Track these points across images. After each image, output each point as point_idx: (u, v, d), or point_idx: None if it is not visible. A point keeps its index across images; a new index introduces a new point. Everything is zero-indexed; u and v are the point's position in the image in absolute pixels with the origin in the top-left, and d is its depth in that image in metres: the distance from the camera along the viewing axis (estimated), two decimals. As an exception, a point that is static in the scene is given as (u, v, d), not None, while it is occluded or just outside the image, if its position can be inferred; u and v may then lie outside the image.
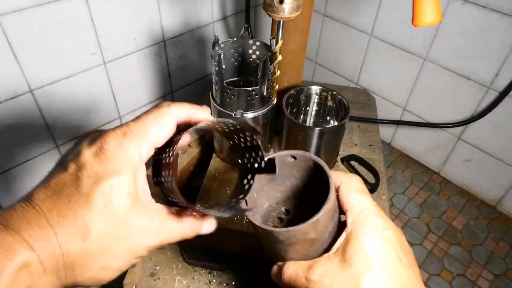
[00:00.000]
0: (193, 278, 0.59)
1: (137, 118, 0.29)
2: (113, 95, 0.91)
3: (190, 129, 0.30)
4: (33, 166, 0.85)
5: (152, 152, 0.29)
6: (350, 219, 0.32)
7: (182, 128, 0.31)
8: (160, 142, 0.29)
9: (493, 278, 0.83)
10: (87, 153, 0.27)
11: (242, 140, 0.34)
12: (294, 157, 0.35)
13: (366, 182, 0.73)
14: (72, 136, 0.89)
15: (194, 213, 0.31)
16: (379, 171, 0.74)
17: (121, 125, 0.28)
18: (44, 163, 0.87)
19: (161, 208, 0.29)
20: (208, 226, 0.33)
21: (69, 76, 0.80)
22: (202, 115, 0.32)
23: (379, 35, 1.00)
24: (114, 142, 0.27)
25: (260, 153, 0.34)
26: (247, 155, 0.36)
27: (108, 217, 0.25)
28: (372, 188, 0.72)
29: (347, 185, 0.34)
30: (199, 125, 0.31)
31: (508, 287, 0.83)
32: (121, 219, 0.26)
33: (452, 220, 0.95)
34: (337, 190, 0.34)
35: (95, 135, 0.28)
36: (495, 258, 0.87)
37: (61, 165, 0.28)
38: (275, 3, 0.47)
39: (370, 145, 0.82)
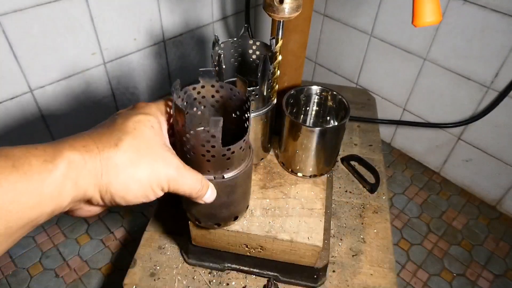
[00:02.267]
0: (193, 278, 0.59)
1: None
2: (113, 95, 0.91)
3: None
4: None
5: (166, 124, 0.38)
6: None
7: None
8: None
9: (493, 278, 0.84)
10: (122, 110, 0.36)
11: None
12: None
13: (366, 182, 0.73)
14: (72, 136, 0.89)
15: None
16: (379, 171, 0.74)
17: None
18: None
19: (176, 157, 0.35)
20: (210, 193, 0.39)
21: (69, 76, 0.80)
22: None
23: (379, 35, 1.00)
24: (142, 102, 0.37)
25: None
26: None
27: (137, 137, 0.32)
28: (372, 188, 0.72)
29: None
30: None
31: (508, 287, 0.83)
32: (146, 141, 0.32)
33: (452, 220, 0.95)
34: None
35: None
36: (495, 258, 0.87)
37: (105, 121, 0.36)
38: (275, 3, 0.47)
39: (370, 145, 0.82)
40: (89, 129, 0.33)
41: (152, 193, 0.33)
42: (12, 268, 0.82)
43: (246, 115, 0.42)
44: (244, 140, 0.40)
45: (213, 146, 0.37)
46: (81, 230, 0.90)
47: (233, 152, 0.39)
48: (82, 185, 0.28)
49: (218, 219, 0.49)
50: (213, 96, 0.45)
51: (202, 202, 0.39)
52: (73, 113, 0.86)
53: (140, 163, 0.31)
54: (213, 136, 0.36)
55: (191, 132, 0.36)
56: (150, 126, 0.33)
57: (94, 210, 0.33)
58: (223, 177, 0.41)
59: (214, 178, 0.41)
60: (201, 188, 0.37)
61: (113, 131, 0.31)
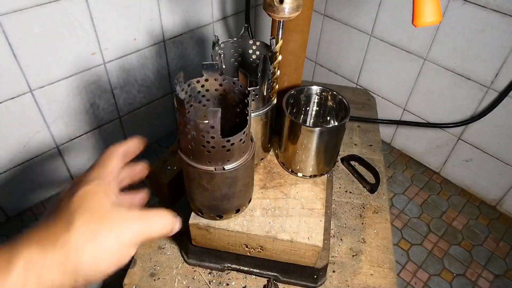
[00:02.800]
0: (193, 278, 0.59)
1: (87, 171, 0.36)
2: (113, 95, 0.91)
3: None
4: (33, 166, 0.85)
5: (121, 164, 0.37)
6: None
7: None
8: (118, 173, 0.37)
9: (493, 278, 0.83)
10: (62, 193, 0.34)
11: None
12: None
13: (366, 182, 0.73)
14: (72, 136, 0.89)
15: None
16: (379, 171, 0.74)
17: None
18: (44, 163, 0.87)
19: (129, 210, 0.33)
20: (179, 223, 0.37)
21: (69, 76, 0.80)
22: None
23: (379, 35, 1.00)
24: (80, 177, 0.35)
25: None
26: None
27: (86, 211, 0.30)
28: (372, 188, 0.72)
29: None
30: None
31: (508, 287, 0.82)
32: (97, 210, 0.31)
33: (452, 220, 0.95)
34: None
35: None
36: (495, 258, 0.87)
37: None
38: (275, 3, 0.47)
39: (370, 145, 0.82)
40: (41, 218, 0.32)
41: (126, 256, 0.32)
42: None
43: (247, 108, 0.42)
44: (244, 132, 0.40)
45: (212, 137, 0.37)
46: (81, 230, 0.90)
47: (232, 144, 0.39)
48: (48, 278, 0.27)
49: (220, 210, 0.50)
50: (216, 90, 0.45)
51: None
52: (73, 113, 0.86)
53: (99, 235, 0.30)
54: (212, 127, 0.36)
55: (191, 122, 0.37)
56: (95, 193, 0.32)
57: None
58: (224, 169, 0.42)
59: (215, 169, 0.42)
60: (172, 225, 0.35)
61: (61, 214, 0.30)
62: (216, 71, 0.43)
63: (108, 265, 0.30)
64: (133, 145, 0.39)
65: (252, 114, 0.56)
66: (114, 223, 0.31)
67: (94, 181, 0.33)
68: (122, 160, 0.37)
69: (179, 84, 0.39)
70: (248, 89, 0.42)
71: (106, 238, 0.30)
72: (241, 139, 0.40)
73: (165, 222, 0.35)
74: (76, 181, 0.34)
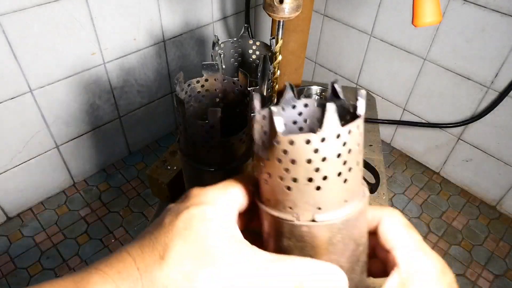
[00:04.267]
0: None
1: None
2: (113, 95, 0.91)
3: None
4: (33, 166, 0.85)
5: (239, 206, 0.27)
6: (401, 257, 0.25)
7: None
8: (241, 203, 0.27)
9: (493, 278, 0.83)
10: (171, 204, 0.26)
11: None
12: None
13: (366, 182, 0.73)
14: (72, 136, 0.89)
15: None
16: (379, 171, 0.74)
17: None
18: (44, 163, 0.87)
19: (258, 250, 0.24)
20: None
21: (69, 76, 0.80)
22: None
23: (379, 35, 1.00)
24: (197, 188, 0.26)
25: None
26: None
27: (189, 239, 0.23)
28: (372, 188, 0.72)
29: (390, 219, 0.27)
30: None
31: (508, 287, 0.82)
32: (204, 242, 0.23)
33: (452, 220, 0.95)
34: (375, 229, 0.27)
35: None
36: (495, 258, 0.87)
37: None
38: (275, 3, 0.47)
39: (370, 145, 0.82)
40: (134, 239, 0.25)
41: None
42: (12, 268, 0.82)
43: (248, 108, 0.42)
44: (244, 132, 0.40)
45: (212, 137, 0.37)
46: (81, 230, 0.90)
47: (232, 144, 0.39)
48: None
49: None
50: (216, 90, 0.45)
51: None
52: (73, 113, 0.86)
53: (199, 274, 0.22)
54: (212, 127, 0.36)
55: (191, 123, 0.37)
56: (207, 220, 0.24)
57: None
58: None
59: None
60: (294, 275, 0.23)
61: (158, 236, 0.23)
62: (216, 71, 0.43)
63: None
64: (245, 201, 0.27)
65: (252, 115, 0.55)
66: (225, 264, 0.22)
67: (213, 204, 0.25)
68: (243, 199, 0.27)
69: (179, 84, 0.39)
70: (248, 89, 0.42)
71: (206, 283, 0.22)
72: (241, 139, 0.40)
73: (333, 280, 0.23)
74: (190, 195, 0.26)
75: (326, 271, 0.23)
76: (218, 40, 0.54)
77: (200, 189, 0.26)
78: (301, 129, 0.26)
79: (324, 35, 1.14)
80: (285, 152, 0.22)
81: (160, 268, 0.22)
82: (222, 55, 0.51)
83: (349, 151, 0.22)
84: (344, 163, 0.22)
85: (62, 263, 0.84)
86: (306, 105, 0.25)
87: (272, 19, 0.56)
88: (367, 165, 0.76)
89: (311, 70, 1.25)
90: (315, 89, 0.65)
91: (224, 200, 0.25)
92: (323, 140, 0.21)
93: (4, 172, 0.81)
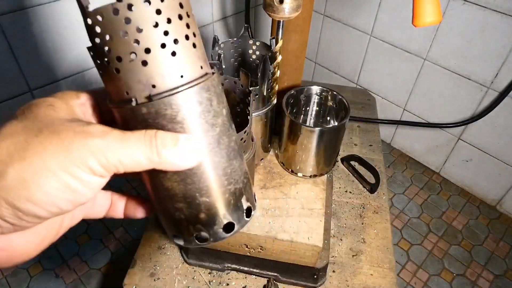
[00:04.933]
0: (193, 278, 0.59)
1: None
2: (113, 95, 0.91)
3: None
4: (33, 166, 0.85)
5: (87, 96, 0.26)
6: None
7: None
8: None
9: (493, 278, 0.83)
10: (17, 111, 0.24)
11: None
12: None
13: (366, 182, 0.73)
14: (72, 136, 0.89)
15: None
16: (379, 171, 0.74)
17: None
18: (44, 163, 0.87)
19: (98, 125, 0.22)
20: (189, 154, 0.23)
21: (69, 76, 0.80)
22: None
23: (379, 35, 1.00)
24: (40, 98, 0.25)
25: None
26: None
27: (23, 118, 0.22)
28: (372, 188, 0.72)
29: None
30: None
31: (508, 287, 0.82)
32: (41, 120, 0.22)
33: (452, 220, 0.95)
34: None
35: None
36: (495, 258, 0.87)
37: None
38: (275, 3, 0.47)
39: (370, 145, 0.82)
40: None
41: (75, 182, 0.21)
42: (12, 268, 0.82)
43: (248, 107, 0.42)
44: (246, 131, 0.40)
45: None
46: (81, 230, 0.90)
47: None
48: None
49: None
50: None
51: (176, 170, 0.23)
52: (73, 113, 0.86)
53: (36, 143, 0.20)
54: None
55: None
56: (47, 105, 0.23)
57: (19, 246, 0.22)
58: None
59: None
60: (154, 149, 0.22)
61: None
62: (217, 70, 0.43)
63: (49, 191, 0.20)
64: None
65: (252, 114, 0.56)
66: (66, 132, 0.21)
67: (59, 98, 0.24)
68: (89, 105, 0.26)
69: None
70: (249, 88, 0.42)
71: (47, 151, 0.20)
72: (242, 138, 0.40)
73: (143, 143, 0.22)
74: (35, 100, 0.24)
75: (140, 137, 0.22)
76: (218, 40, 0.54)
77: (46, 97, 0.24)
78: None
79: (324, 35, 1.14)
80: (101, 27, 0.22)
81: None
82: (222, 55, 0.51)
83: (169, 20, 0.21)
84: (166, 33, 0.21)
85: (62, 263, 0.84)
86: None
87: (272, 19, 0.56)
88: (367, 165, 0.76)
89: (311, 70, 1.25)
90: (315, 89, 0.65)
91: (73, 98, 0.24)
92: (130, 7, 0.20)
93: (4, 172, 0.81)
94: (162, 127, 0.22)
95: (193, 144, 0.23)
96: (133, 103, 0.22)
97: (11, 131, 0.21)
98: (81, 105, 0.25)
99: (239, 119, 0.48)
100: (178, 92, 0.22)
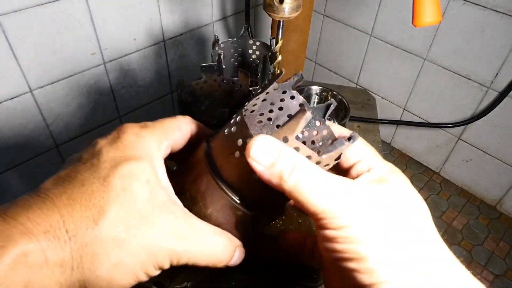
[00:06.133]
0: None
1: (153, 121, 0.27)
2: (113, 95, 0.91)
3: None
4: (33, 166, 0.85)
5: (169, 150, 0.27)
6: (371, 163, 0.26)
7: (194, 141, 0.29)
8: (177, 144, 0.27)
9: (493, 278, 0.83)
10: (103, 142, 0.25)
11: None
12: None
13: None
14: (72, 136, 0.89)
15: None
16: (379, 171, 0.74)
17: (138, 123, 0.26)
18: (44, 163, 0.87)
19: (186, 210, 0.24)
20: (239, 254, 0.26)
21: (69, 76, 0.80)
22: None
23: (379, 35, 1.00)
24: (132, 132, 0.25)
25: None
26: None
27: (126, 203, 0.21)
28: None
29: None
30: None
31: (508, 287, 0.82)
32: (139, 209, 0.22)
33: (452, 220, 0.95)
34: None
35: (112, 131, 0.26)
36: (495, 258, 0.87)
37: (73, 159, 0.24)
38: (275, 3, 0.47)
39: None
40: (53, 177, 0.23)
41: (144, 277, 0.23)
42: None
43: None
44: None
45: None
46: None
47: None
48: (40, 283, 0.19)
49: None
50: (215, 91, 0.45)
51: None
52: (73, 113, 0.86)
53: (130, 242, 0.21)
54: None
55: None
56: (145, 181, 0.23)
57: None
58: None
59: None
60: (229, 255, 0.25)
61: (92, 193, 0.21)
62: (215, 72, 0.43)
63: (121, 284, 0.22)
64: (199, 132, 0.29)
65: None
66: (155, 231, 0.22)
67: (149, 159, 0.24)
68: (188, 135, 0.28)
69: (179, 89, 0.40)
70: (249, 88, 0.42)
71: (137, 250, 0.21)
72: None
73: (222, 250, 0.24)
74: (123, 139, 0.24)
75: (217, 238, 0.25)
76: (218, 40, 0.54)
77: (137, 133, 0.25)
78: (271, 112, 0.25)
79: (324, 35, 1.14)
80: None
81: (93, 235, 0.20)
82: (222, 55, 0.51)
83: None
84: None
85: (62, 263, 0.84)
86: (292, 97, 0.25)
87: (272, 19, 0.56)
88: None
89: (311, 70, 1.25)
90: (315, 89, 0.65)
91: (156, 152, 0.25)
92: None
93: (5, 172, 0.81)
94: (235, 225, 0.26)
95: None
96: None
97: (113, 222, 0.21)
98: (162, 159, 0.26)
99: None
100: None
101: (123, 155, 0.23)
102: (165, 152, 0.26)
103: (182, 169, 0.28)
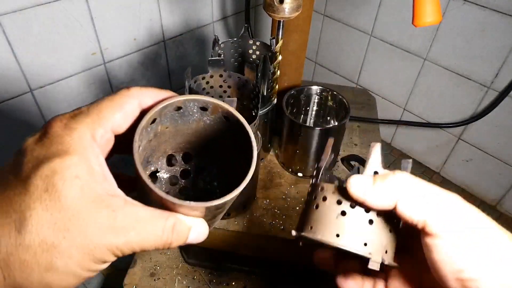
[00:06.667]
0: (193, 278, 0.59)
1: (90, 103, 0.25)
2: (113, 95, 0.91)
3: (159, 106, 0.25)
4: (33, 166, 0.85)
5: (109, 136, 0.24)
6: (436, 225, 0.28)
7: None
8: (121, 126, 0.25)
9: (493, 278, 0.83)
10: (29, 140, 0.23)
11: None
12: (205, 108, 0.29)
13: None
14: (72, 136, 0.89)
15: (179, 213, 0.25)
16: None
17: (71, 111, 0.24)
18: (44, 163, 0.87)
19: (130, 202, 0.23)
20: (198, 233, 0.25)
21: (69, 76, 0.80)
22: (169, 95, 0.27)
23: (379, 35, 1.00)
24: (59, 125, 0.23)
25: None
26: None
27: (51, 204, 0.20)
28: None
29: (404, 199, 0.29)
30: (169, 101, 0.25)
31: (508, 287, 0.82)
32: (67, 208, 0.20)
33: (452, 220, 0.95)
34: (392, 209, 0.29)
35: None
36: (495, 258, 0.87)
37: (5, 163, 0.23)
38: (275, 3, 0.47)
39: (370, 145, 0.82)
40: None
41: (88, 273, 0.22)
42: None
43: (253, 102, 0.43)
44: (255, 124, 0.40)
45: None
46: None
47: None
48: None
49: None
50: (220, 86, 0.46)
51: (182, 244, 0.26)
52: (73, 113, 0.86)
53: (60, 245, 0.20)
54: None
55: None
56: (73, 177, 0.21)
57: None
58: None
59: None
60: (183, 236, 0.25)
61: (13, 198, 0.20)
62: (221, 67, 0.44)
63: (61, 285, 0.21)
64: (162, 96, 0.26)
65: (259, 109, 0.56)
66: (88, 227, 0.21)
67: (79, 151, 0.22)
68: (134, 112, 0.25)
69: (188, 79, 0.40)
70: (255, 83, 0.42)
71: (70, 250, 0.20)
72: None
73: (168, 234, 0.24)
74: (50, 133, 0.23)
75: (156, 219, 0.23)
76: (218, 40, 0.54)
77: (65, 124, 0.23)
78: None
79: (324, 35, 1.14)
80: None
81: (16, 243, 0.19)
82: (222, 55, 0.51)
83: (371, 221, 0.30)
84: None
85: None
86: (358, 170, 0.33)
87: (272, 19, 0.56)
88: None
89: (311, 70, 1.25)
90: (315, 89, 0.65)
91: (75, 149, 0.22)
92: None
93: (4, 172, 0.81)
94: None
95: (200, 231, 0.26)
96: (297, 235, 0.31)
97: (37, 228, 0.20)
98: (98, 149, 0.24)
99: (244, 114, 0.48)
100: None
101: (47, 152, 0.22)
102: (104, 138, 0.24)
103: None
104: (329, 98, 0.65)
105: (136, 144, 0.23)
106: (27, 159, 0.22)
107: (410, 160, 0.32)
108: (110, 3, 0.78)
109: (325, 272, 0.39)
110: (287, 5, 0.47)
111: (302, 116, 0.70)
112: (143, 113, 0.25)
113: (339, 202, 0.28)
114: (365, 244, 0.27)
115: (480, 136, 0.93)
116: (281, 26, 0.52)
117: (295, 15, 0.49)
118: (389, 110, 1.08)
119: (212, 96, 0.46)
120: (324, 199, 0.29)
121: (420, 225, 0.27)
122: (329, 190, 0.29)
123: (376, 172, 0.30)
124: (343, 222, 0.28)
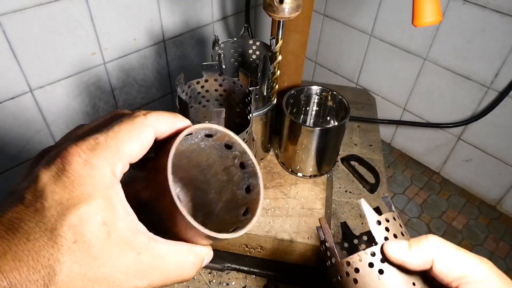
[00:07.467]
0: (193, 278, 0.59)
1: (107, 129, 0.23)
2: (113, 95, 0.91)
3: (180, 136, 0.24)
4: (33, 166, 0.85)
5: (127, 168, 0.24)
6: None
7: (160, 143, 0.26)
8: (137, 157, 0.24)
9: (493, 278, 0.83)
10: (45, 177, 0.21)
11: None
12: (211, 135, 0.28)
13: (366, 182, 0.73)
14: (72, 136, 0.89)
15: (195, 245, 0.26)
16: (379, 171, 0.74)
17: (87, 138, 0.22)
18: (44, 163, 0.87)
19: (152, 238, 0.23)
20: (207, 259, 0.27)
21: (69, 76, 0.80)
22: (184, 124, 0.26)
23: (379, 35, 1.00)
24: (79, 161, 0.21)
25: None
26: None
27: (80, 256, 0.20)
28: (372, 188, 0.72)
29: (440, 260, 0.32)
30: (186, 131, 0.25)
31: (508, 287, 0.82)
32: (96, 257, 0.20)
33: (452, 220, 0.95)
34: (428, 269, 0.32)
35: (53, 153, 0.22)
36: (495, 258, 0.87)
37: (14, 196, 0.21)
38: (275, 3, 0.47)
39: (370, 145, 0.82)
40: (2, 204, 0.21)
41: None
42: None
43: (248, 107, 0.42)
44: (247, 132, 0.40)
45: None
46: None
47: None
48: None
49: None
50: (216, 90, 0.46)
51: None
52: (74, 113, 0.86)
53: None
54: None
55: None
56: (100, 225, 0.21)
57: None
58: None
59: None
60: (198, 267, 0.26)
61: (38, 250, 0.19)
62: (216, 71, 0.43)
63: None
64: (181, 126, 0.26)
65: (253, 114, 0.56)
66: (112, 274, 0.21)
67: (103, 193, 0.21)
68: (150, 142, 0.25)
69: (180, 86, 0.40)
70: (249, 88, 0.42)
71: None
72: (244, 139, 0.40)
73: (189, 270, 0.25)
74: (69, 171, 0.21)
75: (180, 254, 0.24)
76: (218, 40, 0.54)
77: (85, 160, 0.21)
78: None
79: (324, 35, 1.14)
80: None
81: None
82: (222, 55, 0.51)
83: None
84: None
85: (62, 263, 0.84)
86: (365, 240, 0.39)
87: (272, 19, 0.56)
88: (367, 165, 0.76)
89: (311, 70, 1.25)
90: (315, 89, 0.65)
91: (100, 191, 0.21)
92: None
93: (4, 172, 0.81)
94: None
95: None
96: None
97: (67, 282, 0.19)
98: (119, 184, 0.23)
99: (238, 119, 0.48)
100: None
101: (71, 196, 0.20)
102: (123, 172, 0.23)
103: (147, 166, 0.26)
104: (329, 98, 0.65)
105: (170, 177, 0.22)
106: (49, 204, 0.20)
107: (387, 195, 0.36)
108: (110, 3, 0.78)
109: (325, 272, 0.40)
110: (287, 5, 0.47)
111: (302, 116, 0.70)
112: (162, 143, 0.25)
113: (371, 265, 0.31)
114: None
115: (480, 136, 0.93)
116: (281, 26, 0.52)
117: (295, 15, 0.49)
118: (389, 110, 1.08)
119: (208, 100, 0.47)
120: (357, 270, 0.31)
121: (454, 284, 0.31)
122: (356, 260, 0.32)
123: (379, 222, 0.34)
124: (385, 278, 0.31)
